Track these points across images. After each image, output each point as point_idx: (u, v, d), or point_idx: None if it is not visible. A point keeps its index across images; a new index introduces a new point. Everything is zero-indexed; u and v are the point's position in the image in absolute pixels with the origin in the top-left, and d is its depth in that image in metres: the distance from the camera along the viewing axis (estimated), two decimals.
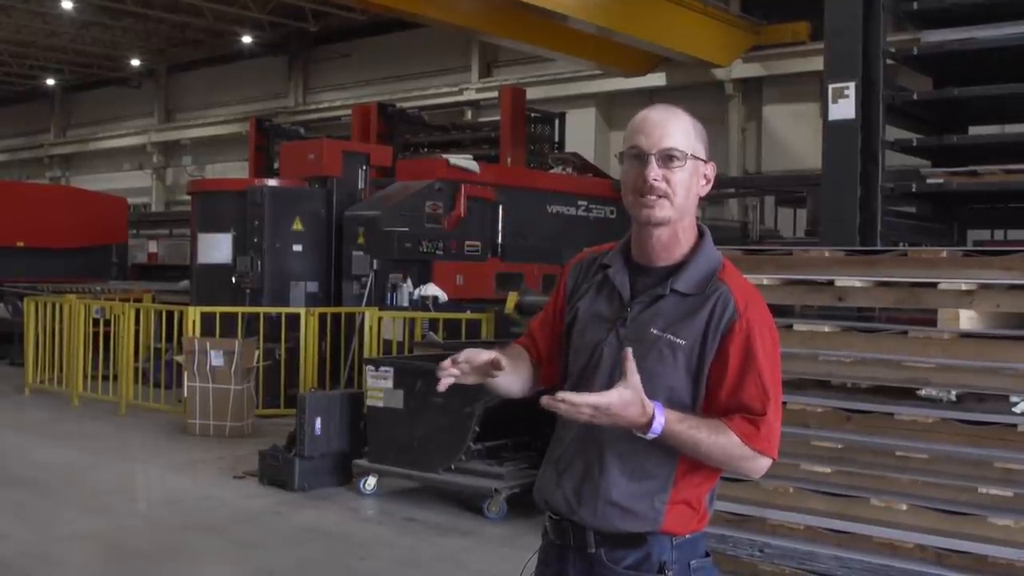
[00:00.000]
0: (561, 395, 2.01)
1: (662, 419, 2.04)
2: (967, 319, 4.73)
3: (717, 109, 18.37)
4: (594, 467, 2.19)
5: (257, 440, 8.58)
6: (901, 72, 7.85)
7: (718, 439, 2.09)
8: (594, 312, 2.26)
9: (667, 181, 2.14)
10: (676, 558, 2.18)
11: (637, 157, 2.16)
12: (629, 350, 2.04)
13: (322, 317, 10.32)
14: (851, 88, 6.39)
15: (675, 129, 2.16)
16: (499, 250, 11.89)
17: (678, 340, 2.13)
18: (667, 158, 2.14)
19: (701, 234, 2.25)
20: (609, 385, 2.13)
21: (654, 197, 2.15)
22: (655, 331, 2.15)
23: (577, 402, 2.00)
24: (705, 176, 2.22)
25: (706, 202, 17.35)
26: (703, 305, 2.15)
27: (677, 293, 2.17)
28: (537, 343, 2.42)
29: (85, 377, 11.09)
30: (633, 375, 2.02)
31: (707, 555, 2.26)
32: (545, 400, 2.01)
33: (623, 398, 2.01)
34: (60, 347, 11.47)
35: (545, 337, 2.41)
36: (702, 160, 2.20)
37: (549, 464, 2.32)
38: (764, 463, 2.16)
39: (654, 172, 2.13)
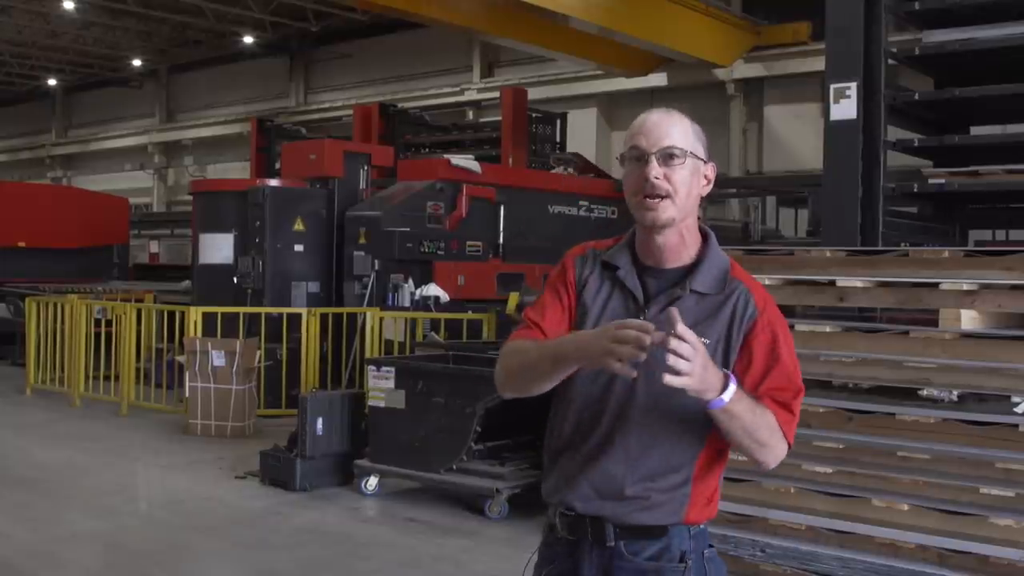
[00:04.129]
0: (682, 330, 1.92)
1: (734, 385, 2.05)
2: (968, 319, 4.72)
3: (718, 109, 18.38)
4: (617, 463, 2.19)
5: (258, 440, 8.59)
6: (902, 72, 7.85)
7: (764, 416, 2.13)
8: (609, 314, 2.23)
9: (668, 180, 2.15)
10: (693, 548, 2.23)
11: (638, 158, 2.17)
12: (674, 310, 1.98)
13: (323, 317, 10.32)
14: (852, 88, 6.38)
15: (674, 129, 2.18)
16: (500, 250, 11.89)
17: (703, 340, 2.10)
18: (667, 156, 2.15)
19: (705, 235, 2.28)
20: (630, 387, 2.14)
21: (657, 199, 2.15)
22: None
23: (691, 340, 1.92)
24: (706, 176, 2.24)
25: (707, 202, 17.40)
26: (724, 304, 2.19)
27: (696, 293, 2.19)
28: (548, 334, 2.28)
29: (86, 377, 11.10)
30: (696, 339, 1.96)
31: (711, 545, 2.31)
32: (657, 336, 1.92)
33: (705, 357, 1.97)
34: (61, 347, 11.47)
35: (558, 328, 2.28)
36: (702, 160, 2.22)
37: (562, 461, 2.29)
38: (785, 450, 2.21)
39: (655, 171, 2.14)
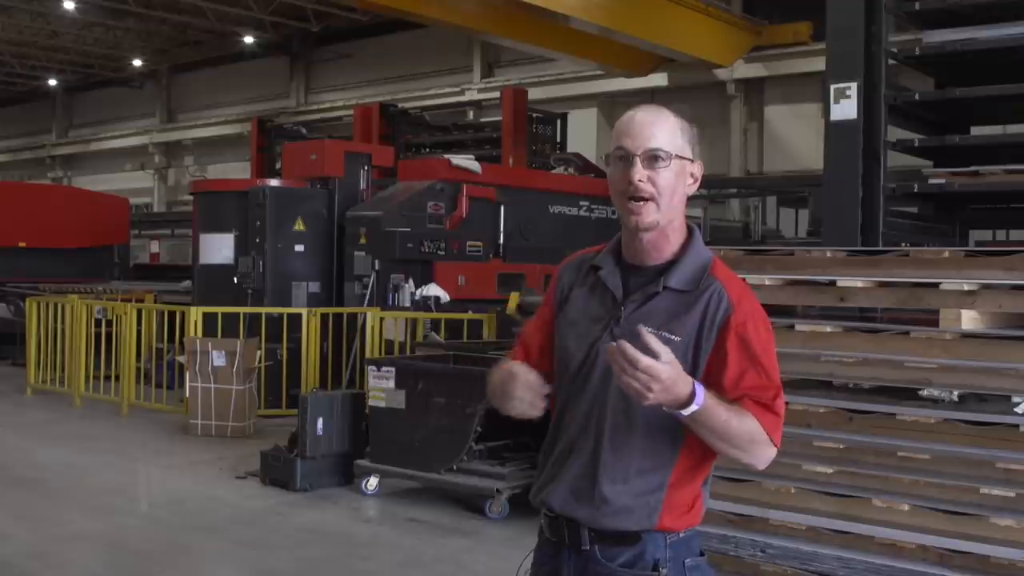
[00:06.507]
0: (622, 345, 1.94)
1: (703, 393, 2.02)
2: (969, 319, 4.72)
3: (719, 109, 18.39)
4: (590, 465, 2.20)
5: (259, 440, 8.59)
6: (903, 72, 7.85)
7: (743, 422, 2.09)
8: (587, 313, 2.26)
9: (652, 182, 2.14)
10: (670, 556, 2.19)
11: (623, 158, 2.17)
12: (643, 328, 2.01)
13: (324, 317, 10.32)
14: (853, 88, 6.38)
15: (660, 130, 2.17)
16: (501, 250, 11.88)
17: (673, 337, 2.13)
18: (652, 159, 2.14)
19: (690, 232, 2.26)
20: (604, 388, 2.15)
21: (640, 203, 2.15)
22: (650, 328, 2.14)
23: (637, 359, 1.93)
24: (692, 175, 2.23)
25: (708, 203, 17.41)
26: (697, 301, 2.16)
27: (670, 290, 2.18)
28: (531, 350, 2.38)
29: (87, 377, 11.10)
30: (666, 351, 1.97)
31: (702, 554, 2.27)
32: (612, 346, 1.95)
33: (674, 368, 1.97)
34: (62, 347, 11.48)
35: (539, 342, 2.38)
36: (688, 160, 2.20)
37: (545, 463, 2.34)
38: (773, 452, 2.16)
39: (639, 173, 2.14)
